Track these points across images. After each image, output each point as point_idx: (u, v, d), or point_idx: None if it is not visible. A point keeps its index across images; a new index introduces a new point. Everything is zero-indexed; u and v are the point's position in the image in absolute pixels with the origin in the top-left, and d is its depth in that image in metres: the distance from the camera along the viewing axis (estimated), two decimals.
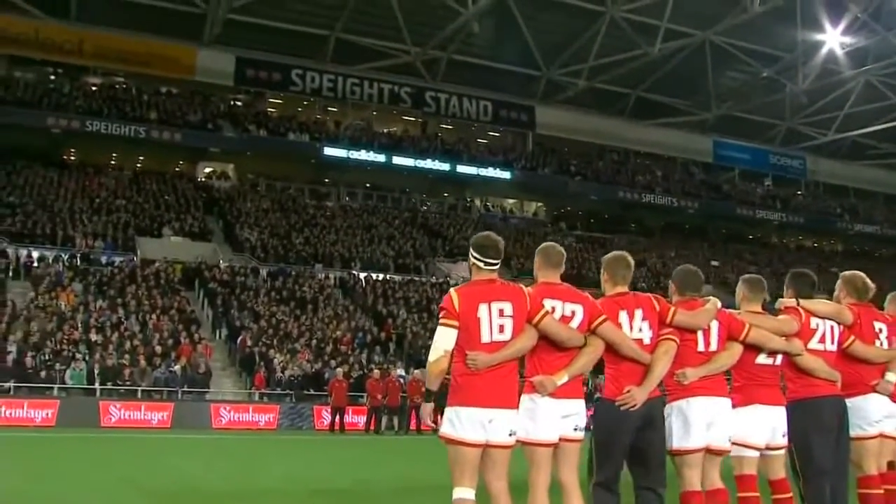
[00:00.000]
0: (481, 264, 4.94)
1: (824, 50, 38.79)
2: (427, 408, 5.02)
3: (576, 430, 5.03)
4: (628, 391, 5.09)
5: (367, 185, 41.25)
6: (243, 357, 24.81)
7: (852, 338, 5.99)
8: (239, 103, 40.59)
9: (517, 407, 4.87)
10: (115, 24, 36.02)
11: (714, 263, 38.69)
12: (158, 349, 23.50)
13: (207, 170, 39.60)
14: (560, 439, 5.00)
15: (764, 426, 5.59)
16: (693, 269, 5.76)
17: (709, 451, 5.36)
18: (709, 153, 47.90)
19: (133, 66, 37.77)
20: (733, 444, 5.59)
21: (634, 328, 5.26)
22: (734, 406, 5.69)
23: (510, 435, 4.74)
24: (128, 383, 22.03)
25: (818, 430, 5.67)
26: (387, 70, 40.83)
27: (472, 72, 41.73)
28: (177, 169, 39.32)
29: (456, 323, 4.74)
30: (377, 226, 37.31)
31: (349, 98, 41.03)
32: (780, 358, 5.73)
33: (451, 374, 4.83)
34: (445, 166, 39.70)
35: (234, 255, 32.53)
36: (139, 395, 22.07)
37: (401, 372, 24.84)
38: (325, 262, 33.22)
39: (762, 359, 5.67)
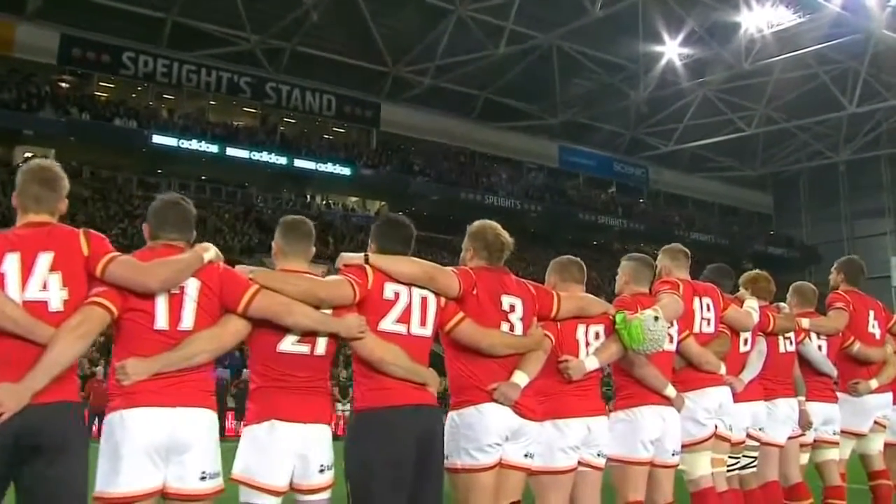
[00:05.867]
0: None
1: (664, 61, 38.36)
2: None
3: None
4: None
5: (203, 177, 38.09)
6: None
7: (460, 316, 3.92)
8: (65, 84, 36.74)
9: None
10: None
11: None
12: None
13: (27, 154, 35.59)
14: None
15: (285, 455, 3.45)
16: (171, 200, 3.58)
17: (167, 496, 3.21)
18: (555, 158, 46.96)
19: None
20: (243, 484, 3.45)
21: (35, 284, 3.08)
22: (247, 423, 3.56)
23: None
24: None
25: (385, 456, 3.57)
26: (226, 58, 37.99)
27: (317, 65, 39.42)
28: None
29: None
30: (206, 218, 34.24)
31: (185, 85, 37.94)
32: (322, 344, 3.60)
33: None
34: (283, 160, 37.07)
35: None
36: None
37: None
38: None
39: (288, 344, 3.53)
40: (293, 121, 41.09)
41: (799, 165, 51.31)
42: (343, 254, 3.89)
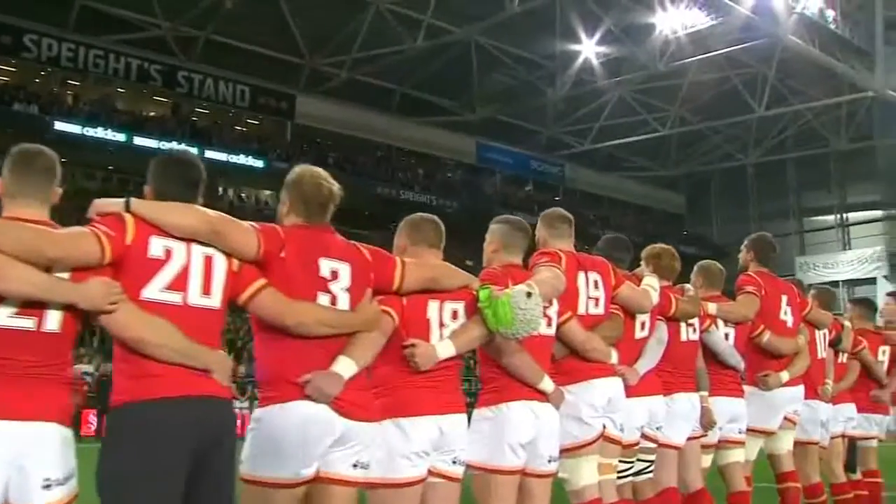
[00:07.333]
0: None
1: (580, 59, 37.99)
2: None
3: None
4: None
5: (110, 167, 36.09)
6: None
7: (260, 283, 2.95)
8: None
9: None
10: None
11: (468, 263, 36.66)
12: None
13: None
14: None
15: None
16: None
17: None
18: (472, 155, 46.12)
19: None
20: None
21: None
22: None
23: None
24: None
25: (146, 465, 2.60)
26: (136, 44, 36.02)
27: (232, 54, 37.70)
28: None
29: None
30: None
31: (91, 71, 35.79)
32: (55, 318, 2.60)
33: None
34: (193, 150, 34.97)
35: None
36: None
37: (87, 368, 20.62)
38: None
39: (3, 317, 2.57)
40: (206, 111, 39.33)
41: (711, 167, 51.70)
42: (97, 200, 2.89)
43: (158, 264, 2.73)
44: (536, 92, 41.72)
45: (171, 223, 2.77)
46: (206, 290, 2.80)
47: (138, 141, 34.38)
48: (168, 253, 2.75)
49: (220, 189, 38.42)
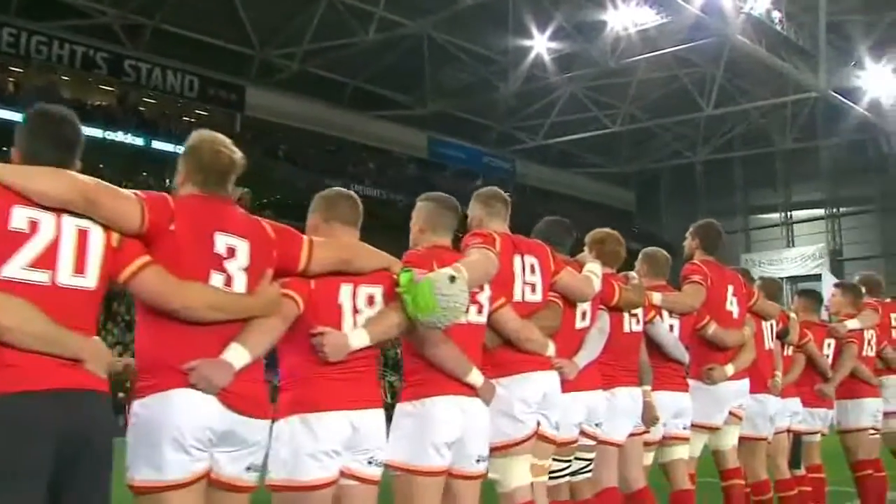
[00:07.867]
0: None
1: (532, 55, 37.82)
2: None
3: None
4: None
5: None
6: None
7: (143, 260, 2.62)
8: None
9: None
10: None
11: None
12: None
13: None
14: None
15: None
16: None
17: None
18: (424, 149, 45.74)
19: None
20: None
21: None
22: None
23: None
24: None
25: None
26: (81, 31, 34.96)
27: (181, 44, 36.75)
28: None
29: None
30: None
31: (35, 57, 34.58)
32: None
33: None
34: (139, 141, 34.41)
35: None
36: None
37: None
38: None
39: None
40: (153, 101, 38.29)
41: (660, 164, 52.05)
42: None
43: (21, 238, 2.35)
44: (489, 87, 41.45)
45: (37, 190, 2.39)
46: (79, 269, 2.43)
47: (83, 130, 33.21)
48: (33, 225, 2.37)
49: (168, 180, 37.55)
